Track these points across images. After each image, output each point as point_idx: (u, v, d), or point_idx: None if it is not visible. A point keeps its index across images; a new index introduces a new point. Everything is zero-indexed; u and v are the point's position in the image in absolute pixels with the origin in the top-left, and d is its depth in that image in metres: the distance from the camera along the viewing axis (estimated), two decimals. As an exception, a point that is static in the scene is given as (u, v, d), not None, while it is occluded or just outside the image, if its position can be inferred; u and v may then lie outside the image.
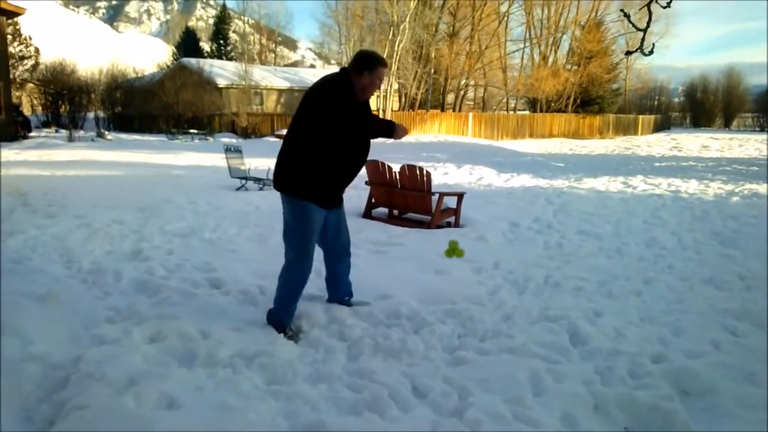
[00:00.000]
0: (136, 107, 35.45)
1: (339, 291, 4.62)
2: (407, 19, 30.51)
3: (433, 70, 38.30)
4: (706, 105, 60.13)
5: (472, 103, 49.09)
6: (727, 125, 59.01)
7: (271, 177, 11.95)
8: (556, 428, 2.93)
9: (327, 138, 3.91)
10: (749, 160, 22.62)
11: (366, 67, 4.00)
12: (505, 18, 41.95)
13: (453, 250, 5.38)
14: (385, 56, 31.54)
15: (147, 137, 30.49)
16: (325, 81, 4.03)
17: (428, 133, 32.44)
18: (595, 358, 3.82)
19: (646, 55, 4.85)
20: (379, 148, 23.81)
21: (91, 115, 35.66)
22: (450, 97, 42.90)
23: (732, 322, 4.56)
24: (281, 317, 4.12)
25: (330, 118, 3.88)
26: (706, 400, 3.30)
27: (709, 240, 7.76)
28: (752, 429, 2.98)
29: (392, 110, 32.61)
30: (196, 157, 18.92)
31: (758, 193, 12.45)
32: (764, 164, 20.70)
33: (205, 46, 59.67)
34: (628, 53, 5.51)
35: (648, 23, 4.80)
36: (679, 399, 3.28)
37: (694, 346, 4.04)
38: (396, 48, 30.59)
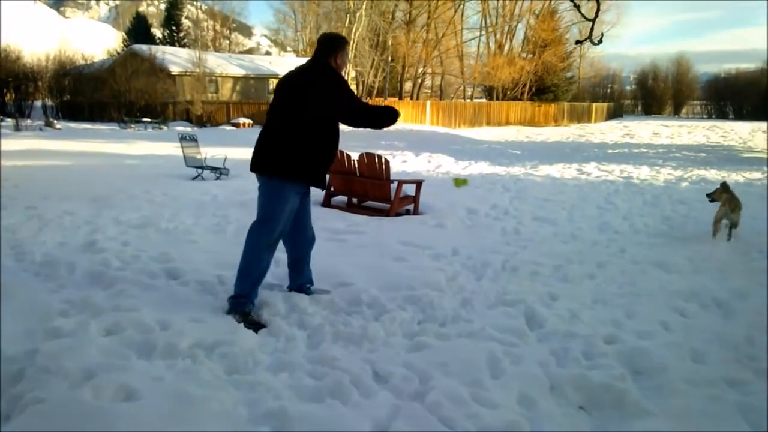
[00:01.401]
0: (86, 95, 34.42)
1: (301, 277, 4.61)
2: (363, 6, 30.37)
3: (390, 58, 38.29)
4: (657, 93, 61.64)
5: (429, 91, 49.29)
6: (676, 112, 60.63)
7: (227, 166, 11.78)
8: (513, 409, 3.00)
9: (330, 119, 4.11)
10: (697, 147, 23.36)
11: (340, 46, 4.19)
12: (461, 6, 42.15)
13: (463, 181, 5.49)
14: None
15: (98, 126, 29.69)
16: (306, 67, 4.18)
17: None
18: (550, 341, 3.92)
19: (595, 44, 4.97)
20: (337, 136, 23.73)
21: (38, 103, 34.46)
22: (407, 85, 43.00)
23: (681, 304, 4.73)
24: (245, 290, 4.12)
25: (337, 98, 4.06)
26: (656, 379, 3.42)
27: (660, 224, 8.01)
28: (699, 405, 3.11)
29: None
30: (150, 146, 18.54)
31: (706, 179, 12.89)
32: (711, 150, 21.39)
33: (157, 32, 58.15)
34: (578, 42, 5.63)
35: (596, 14, 4.91)
36: (631, 378, 3.39)
37: (645, 327, 4.18)
38: (353, 35, 30.43)
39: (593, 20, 4.89)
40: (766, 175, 13.67)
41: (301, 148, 4.07)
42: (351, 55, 31.09)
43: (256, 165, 4.19)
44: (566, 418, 3.02)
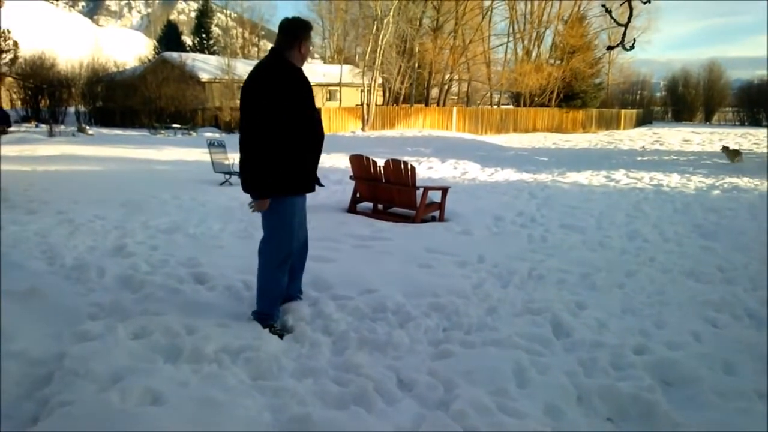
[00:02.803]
0: (118, 101, 35.11)
1: (292, 286, 4.48)
2: (391, 13, 30.43)
3: (417, 65, 38.28)
4: (688, 99, 60.61)
5: (456, 97, 49.12)
6: (708, 119, 59.54)
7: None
8: (540, 419, 2.97)
9: (285, 121, 3.76)
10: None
11: (301, 33, 3.89)
12: (489, 12, 41.98)
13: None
14: (368, 51, 31.61)
15: (129, 132, 30.22)
16: (259, 66, 3.89)
17: (412, 127, 32.46)
18: (578, 350, 3.87)
19: (627, 50, 4.91)
20: (363, 142, 23.82)
21: (71, 109, 35.27)
22: (434, 92, 42.90)
23: (712, 314, 4.64)
24: (266, 310, 4.10)
25: (281, 99, 3.74)
26: (686, 390, 3.36)
27: (690, 233, 7.86)
28: (730, 418, 3.04)
29: (376, 104, 32.56)
30: (179, 152, 18.79)
31: (738, 187, 12.61)
32: (744, 158, 20.96)
33: (187, 39, 59.13)
34: (610, 48, 5.56)
35: (629, 18, 4.85)
36: (661, 390, 3.33)
37: (675, 338, 4.10)
38: (380, 42, 30.52)
39: (626, 25, 4.83)
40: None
41: (266, 161, 3.76)
42: (378, 62, 31.23)
43: (247, 186, 3.92)
44: (593, 429, 2.97)
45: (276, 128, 3.75)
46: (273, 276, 4.08)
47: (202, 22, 57.24)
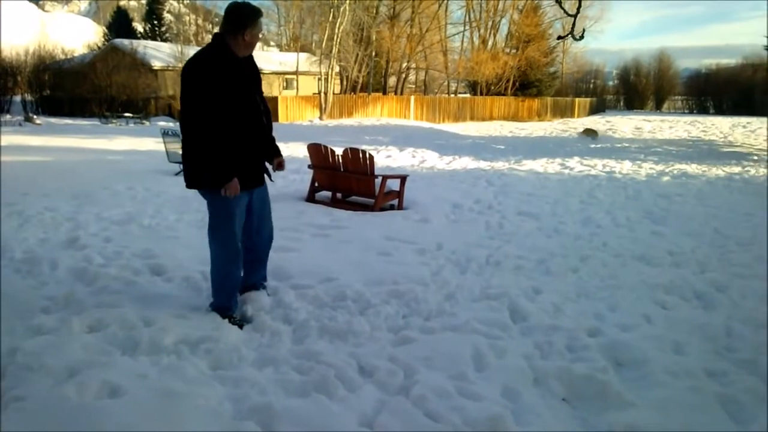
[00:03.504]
0: (67, 90, 33.98)
1: (255, 275, 4.42)
2: (347, 1, 30.26)
3: (374, 53, 38.17)
4: (639, 88, 62.06)
5: (413, 86, 49.24)
6: (658, 107, 61.10)
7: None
8: (498, 402, 3.03)
9: (222, 111, 3.60)
10: (679, 141, 23.57)
11: (248, 21, 3.68)
12: (445, 1, 42.11)
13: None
14: (325, 39, 31.33)
15: (79, 121, 29.35)
16: (197, 54, 3.73)
17: (370, 116, 32.41)
18: (534, 334, 3.96)
19: (576, 39, 5.01)
20: (321, 131, 23.69)
21: (17, 98, 33.97)
22: (392, 80, 42.91)
23: (662, 296, 4.80)
24: (223, 303, 4.05)
25: (216, 88, 3.57)
26: (638, 371, 3.47)
27: (641, 218, 8.08)
28: (681, 396, 3.16)
29: (334, 93, 32.39)
30: (132, 142, 18.36)
31: (687, 173, 13.02)
32: (692, 145, 21.62)
33: (138, 26, 57.60)
34: (560, 38, 5.67)
35: (578, 9, 4.95)
36: (614, 370, 3.44)
37: (627, 320, 4.24)
38: (336, 30, 30.32)
39: (575, 16, 4.93)
40: (748, 169, 13.85)
41: (207, 153, 3.64)
42: (335, 50, 31.03)
43: (185, 178, 3.88)
44: (549, 410, 3.05)
45: (214, 119, 3.59)
46: (225, 269, 3.99)
47: (153, 8, 55.76)
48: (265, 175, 4.18)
